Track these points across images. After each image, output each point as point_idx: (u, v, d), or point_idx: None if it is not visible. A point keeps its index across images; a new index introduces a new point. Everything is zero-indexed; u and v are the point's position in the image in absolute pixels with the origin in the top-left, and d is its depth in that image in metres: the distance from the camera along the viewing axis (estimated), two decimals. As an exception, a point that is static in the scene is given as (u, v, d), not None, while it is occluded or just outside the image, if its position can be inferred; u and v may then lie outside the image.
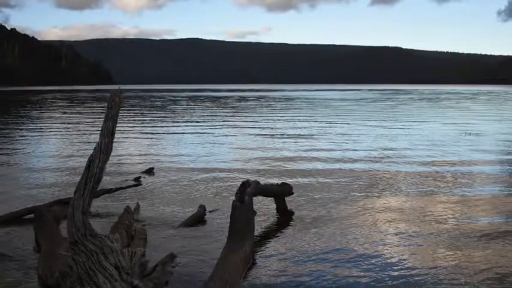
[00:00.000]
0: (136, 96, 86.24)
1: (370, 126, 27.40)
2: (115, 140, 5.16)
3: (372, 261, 6.48)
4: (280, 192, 9.14)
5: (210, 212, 8.88)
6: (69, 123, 31.01)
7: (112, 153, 5.13)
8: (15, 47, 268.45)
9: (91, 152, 4.99)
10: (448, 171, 13.24)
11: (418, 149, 17.66)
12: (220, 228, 7.79)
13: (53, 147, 19.33)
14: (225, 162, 15.07)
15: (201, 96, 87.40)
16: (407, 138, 21.31)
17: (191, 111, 44.84)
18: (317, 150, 17.46)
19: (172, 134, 24.21)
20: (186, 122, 31.88)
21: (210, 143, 19.82)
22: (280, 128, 26.16)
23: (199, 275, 5.87)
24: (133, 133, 23.97)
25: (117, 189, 10.22)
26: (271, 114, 38.07)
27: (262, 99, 70.98)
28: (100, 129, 5.12)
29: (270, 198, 9.18)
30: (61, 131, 25.74)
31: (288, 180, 10.54)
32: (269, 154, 16.49)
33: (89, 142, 19.67)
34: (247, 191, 7.34)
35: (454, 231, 7.84)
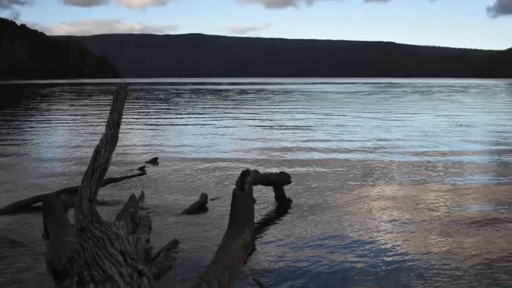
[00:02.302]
0: (140, 89, 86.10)
1: (365, 118, 27.37)
2: (120, 131, 5.13)
3: (367, 247, 6.48)
4: (278, 181, 9.13)
5: (211, 200, 8.87)
6: (76, 115, 30.97)
7: (118, 144, 5.11)
8: (25, 42, 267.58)
9: (97, 142, 4.97)
10: (439, 161, 13.24)
11: (411, 140, 17.65)
12: (221, 216, 7.79)
13: (61, 138, 19.32)
14: (226, 152, 15.06)
15: (203, 89, 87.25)
16: (400, 129, 21.30)
17: (193, 103, 44.79)
18: (314, 141, 17.44)
19: (176, 125, 24.19)
20: (188, 114, 31.84)
21: (212, 134, 19.81)
22: (278, 120, 26.13)
23: (201, 261, 5.86)
24: (138, 124, 23.95)
25: (122, 178, 10.23)
26: (270, 107, 38.02)
27: (261, 92, 70.87)
28: (106, 120, 5.10)
29: (269, 186, 9.18)
30: (69, 123, 25.72)
31: (286, 170, 10.54)
32: (268, 145, 16.48)
33: (95, 133, 19.64)
34: (247, 179, 7.34)
35: (445, 218, 7.85)
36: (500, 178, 11.09)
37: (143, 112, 33.19)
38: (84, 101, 49.24)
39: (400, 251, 6.34)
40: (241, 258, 5.90)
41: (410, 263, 5.93)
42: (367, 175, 11.36)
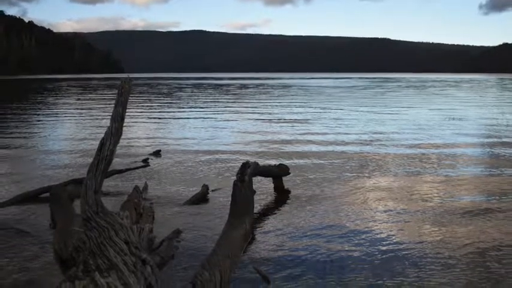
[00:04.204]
0: (144, 84, 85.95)
1: (361, 111, 27.33)
2: (125, 124, 5.11)
3: (363, 237, 6.47)
4: (277, 173, 9.12)
5: (212, 191, 8.86)
6: (82, 109, 30.92)
7: (122, 137, 5.09)
8: (33, 39, 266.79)
9: (103, 135, 4.94)
10: (433, 153, 13.22)
11: (405, 133, 17.62)
12: (222, 206, 7.78)
13: (67, 131, 19.29)
14: (226, 145, 15.03)
15: (204, 84, 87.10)
16: (395, 122, 21.26)
17: (195, 97, 44.70)
18: (312, 133, 17.42)
19: (178, 118, 24.14)
20: (190, 107, 31.80)
21: (213, 127, 19.77)
22: (277, 113, 26.08)
23: (203, 250, 5.86)
24: (142, 118, 23.91)
25: (126, 170, 10.22)
26: (269, 101, 37.96)
27: (261, 87, 70.76)
28: (111, 114, 5.07)
29: (268, 178, 9.16)
30: (75, 116, 25.67)
31: (285, 162, 10.52)
32: (267, 137, 16.45)
33: (100, 126, 19.62)
34: (247, 171, 7.31)
35: (438, 208, 7.84)
36: (492, 170, 11.08)
37: (147, 106, 33.14)
38: (90, 95, 49.16)
39: (395, 240, 6.33)
40: (241, 247, 5.89)
41: (405, 252, 5.92)
42: (363, 167, 11.35)
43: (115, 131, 4.89)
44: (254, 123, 21.33)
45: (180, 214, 7.57)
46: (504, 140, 15.97)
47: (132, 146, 14.48)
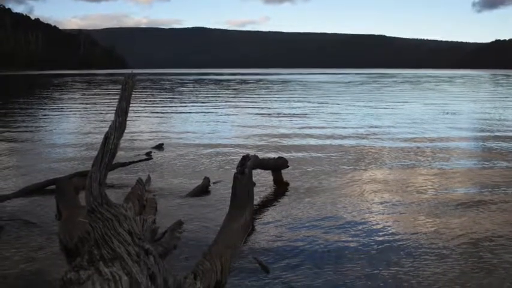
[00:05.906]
0: (147, 79, 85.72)
1: (358, 106, 27.30)
2: (128, 118, 5.08)
3: (359, 228, 6.47)
4: (276, 166, 9.10)
5: (213, 183, 8.85)
6: (87, 104, 30.87)
7: (126, 131, 5.06)
8: (39, 35, 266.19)
9: (107, 129, 4.92)
10: (427, 147, 13.21)
11: (400, 127, 17.61)
12: (223, 198, 7.77)
13: (73, 125, 19.26)
14: (227, 138, 15.02)
15: (205, 80, 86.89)
16: (391, 117, 21.24)
17: (197, 93, 44.61)
18: (310, 127, 17.40)
19: (180, 113, 24.10)
20: (192, 102, 31.73)
21: (214, 122, 19.75)
22: (276, 108, 26.05)
23: (204, 240, 5.85)
24: (145, 112, 23.87)
25: (130, 163, 10.20)
26: (268, 96, 37.90)
27: (260, 82, 70.62)
28: (115, 108, 5.05)
29: (267, 171, 9.15)
30: (80, 111, 25.64)
31: (284, 155, 10.49)
32: (267, 131, 16.43)
33: (104, 120, 19.59)
34: (247, 164, 7.30)
35: (433, 200, 7.83)
36: (485, 163, 11.07)
37: (150, 101, 33.08)
38: (94, 91, 49.07)
39: (390, 231, 6.33)
40: (241, 238, 5.89)
41: (400, 243, 5.91)
42: (360, 160, 11.34)
43: (119, 125, 4.86)
44: (254, 117, 21.30)
45: (182, 206, 7.57)
46: (496, 133, 15.97)
47: (136, 140, 14.46)
